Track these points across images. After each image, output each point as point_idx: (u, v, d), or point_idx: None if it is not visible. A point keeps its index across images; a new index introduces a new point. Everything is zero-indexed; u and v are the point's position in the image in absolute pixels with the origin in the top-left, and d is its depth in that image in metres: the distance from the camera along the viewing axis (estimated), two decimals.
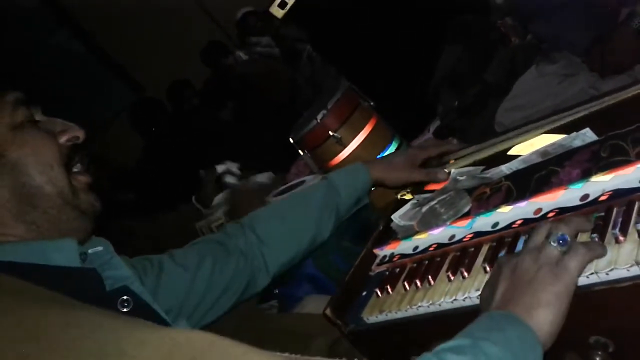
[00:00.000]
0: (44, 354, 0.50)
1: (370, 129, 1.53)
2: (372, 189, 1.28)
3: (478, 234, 0.90)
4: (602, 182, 0.77)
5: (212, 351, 0.47)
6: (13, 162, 0.75)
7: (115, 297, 0.77)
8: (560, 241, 0.69)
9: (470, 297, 0.80)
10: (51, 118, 0.84)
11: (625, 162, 0.76)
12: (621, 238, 0.67)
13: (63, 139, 0.82)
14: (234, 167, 1.93)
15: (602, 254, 0.67)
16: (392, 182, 1.23)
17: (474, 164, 1.13)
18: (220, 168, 1.96)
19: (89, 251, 0.81)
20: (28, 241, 0.74)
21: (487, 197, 0.97)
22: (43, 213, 0.76)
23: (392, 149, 1.56)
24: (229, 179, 1.85)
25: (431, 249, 0.96)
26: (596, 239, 0.69)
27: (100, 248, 0.84)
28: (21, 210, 0.75)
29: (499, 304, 0.69)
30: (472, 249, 0.89)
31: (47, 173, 0.77)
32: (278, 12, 3.60)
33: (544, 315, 0.64)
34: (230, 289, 1.10)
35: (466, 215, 0.96)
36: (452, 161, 1.24)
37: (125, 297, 0.78)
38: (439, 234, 0.98)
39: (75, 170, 0.83)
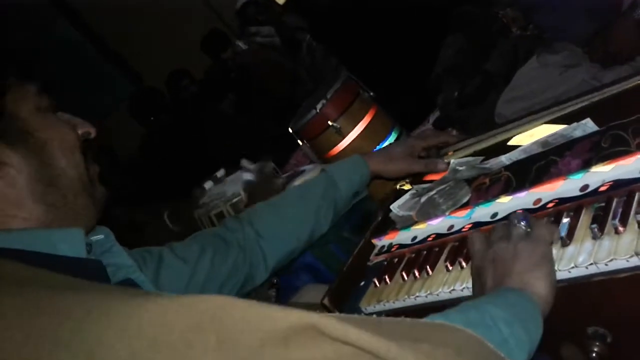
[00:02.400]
0: (50, 330, 0.50)
1: (369, 119, 1.52)
2: (371, 180, 1.27)
3: (477, 224, 0.90)
4: (603, 173, 0.77)
5: (233, 309, 0.46)
6: (41, 142, 0.76)
7: None
8: (523, 221, 0.74)
9: (468, 287, 0.79)
10: (65, 113, 0.85)
11: (626, 152, 0.76)
12: (621, 228, 0.67)
13: (79, 132, 0.83)
14: (248, 165, 1.93)
15: (557, 232, 0.73)
16: (391, 174, 1.23)
17: (473, 154, 1.13)
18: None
19: (92, 239, 0.82)
20: (34, 229, 0.74)
21: (486, 187, 0.96)
22: (63, 197, 0.77)
23: (391, 139, 1.55)
24: (247, 176, 1.85)
25: (430, 239, 0.96)
26: (596, 230, 0.69)
27: (101, 236, 0.84)
28: (44, 191, 0.75)
29: (492, 288, 0.71)
30: None
31: (70, 157, 0.79)
32: None
33: (535, 276, 0.68)
34: (229, 282, 1.10)
35: (465, 205, 0.96)
36: (450, 153, 1.23)
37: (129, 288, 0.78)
38: (437, 224, 0.98)
39: (88, 161, 0.84)
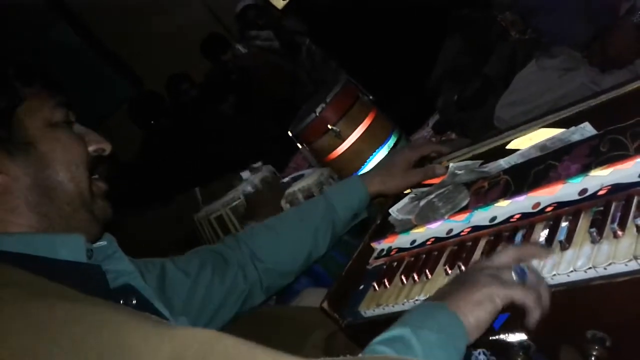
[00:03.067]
0: (44, 347, 0.50)
1: (369, 122, 1.53)
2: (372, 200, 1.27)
3: (476, 228, 0.90)
4: (601, 177, 0.77)
5: (218, 348, 0.47)
6: (41, 154, 0.78)
7: (118, 294, 0.78)
8: (520, 272, 0.72)
9: None
10: (85, 127, 0.87)
11: (624, 156, 0.76)
12: (619, 233, 0.67)
13: (91, 148, 0.85)
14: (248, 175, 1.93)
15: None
16: (391, 191, 1.23)
17: (472, 157, 1.13)
18: (245, 175, 1.96)
19: (94, 246, 0.82)
20: (36, 233, 0.75)
21: (485, 191, 0.96)
22: (58, 208, 0.78)
23: (391, 142, 1.55)
24: (245, 175, 1.85)
25: (429, 242, 0.96)
26: (595, 234, 0.69)
27: (104, 242, 0.86)
28: (38, 201, 0.77)
29: (438, 296, 0.74)
30: (470, 243, 0.89)
31: (72, 171, 0.80)
32: (278, 3, 3.58)
33: (471, 310, 0.69)
34: (230, 299, 1.10)
35: (464, 209, 0.96)
36: (444, 163, 1.23)
37: (128, 295, 0.79)
38: (436, 228, 0.98)
39: (95, 177, 0.86)
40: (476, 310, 0.69)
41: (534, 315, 0.68)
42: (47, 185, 0.78)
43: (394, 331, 0.67)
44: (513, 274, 0.72)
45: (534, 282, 0.71)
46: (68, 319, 0.53)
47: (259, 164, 1.95)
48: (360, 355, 0.61)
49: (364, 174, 1.29)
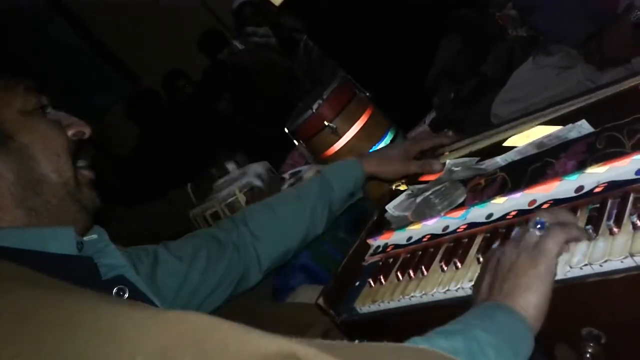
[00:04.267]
0: (32, 336, 0.50)
1: (366, 119, 1.52)
2: (367, 181, 1.28)
3: (472, 224, 0.90)
4: (597, 174, 0.77)
5: (214, 331, 0.46)
6: (22, 147, 0.76)
7: (110, 286, 0.77)
8: (539, 225, 0.71)
9: (463, 288, 0.79)
10: (59, 112, 0.84)
11: (621, 154, 0.76)
12: (615, 230, 0.67)
13: (70, 133, 0.83)
14: (260, 169, 1.91)
15: (578, 235, 0.69)
16: (386, 175, 1.23)
17: (469, 154, 1.13)
18: (230, 166, 1.95)
19: (84, 239, 0.81)
20: (26, 227, 0.74)
21: (481, 188, 0.96)
22: (45, 202, 0.77)
23: (387, 139, 1.55)
24: (257, 182, 1.85)
25: (425, 239, 0.96)
26: (591, 231, 0.69)
27: (94, 236, 0.84)
28: (24, 196, 0.75)
29: (485, 295, 0.70)
30: (466, 240, 0.89)
31: (54, 162, 0.78)
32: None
33: (528, 298, 0.66)
34: (224, 282, 1.10)
35: (460, 206, 0.96)
36: (446, 153, 1.24)
37: (120, 286, 0.78)
38: (433, 225, 0.98)
39: (80, 164, 0.83)
40: (530, 296, 0.66)
41: (581, 237, 0.68)
42: (31, 178, 0.76)
43: (447, 327, 0.64)
44: (536, 232, 0.70)
45: (554, 218, 0.71)
46: (57, 307, 0.52)
47: (233, 165, 1.95)
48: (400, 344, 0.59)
49: (361, 155, 1.30)
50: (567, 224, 0.70)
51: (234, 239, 1.13)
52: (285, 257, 1.20)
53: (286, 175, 1.79)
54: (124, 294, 0.77)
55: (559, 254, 0.69)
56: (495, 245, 0.81)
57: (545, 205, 0.80)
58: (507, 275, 0.69)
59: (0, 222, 0.74)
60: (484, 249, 0.83)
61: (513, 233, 0.75)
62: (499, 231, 0.85)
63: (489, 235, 0.86)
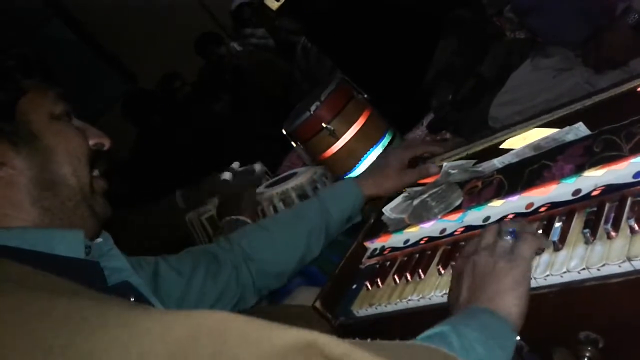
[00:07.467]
0: (49, 335, 0.49)
1: (363, 121, 1.52)
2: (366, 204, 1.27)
3: (469, 227, 0.90)
4: (595, 177, 0.77)
5: (234, 322, 0.46)
6: (45, 147, 0.78)
7: (117, 291, 0.77)
8: (510, 233, 0.75)
9: None
10: (83, 122, 0.87)
11: (618, 157, 0.76)
12: (613, 233, 0.67)
13: (91, 142, 0.85)
14: (235, 166, 1.91)
15: (546, 244, 0.74)
16: (385, 193, 1.22)
17: (466, 157, 1.13)
18: (226, 175, 1.95)
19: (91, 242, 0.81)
20: (36, 228, 0.75)
21: (478, 190, 0.96)
22: (60, 203, 0.78)
23: (385, 141, 1.55)
24: (225, 176, 1.83)
25: (422, 242, 0.96)
26: (588, 235, 0.69)
27: (100, 240, 0.85)
28: (41, 195, 0.76)
29: (466, 300, 0.73)
30: (463, 243, 0.88)
31: (75, 165, 0.80)
32: (273, 4, 3.57)
33: (509, 300, 0.69)
34: (223, 300, 1.09)
35: (457, 208, 0.96)
36: (438, 162, 1.23)
37: (127, 292, 0.78)
38: (430, 228, 0.97)
39: (95, 174, 0.85)
40: (511, 298, 0.69)
41: (544, 245, 0.73)
42: (50, 179, 0.77)
43: (434, 329, 0.66)
44: (508, 238, 0.75)
45: (522, 228, 0.75)
46: (68, 305, 0.52)
47: (236, 164, 1.93)
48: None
49: (358, 176, 1.29)
50: (534, 232, 0.76)
51: (231, 258, 1.13)
52: (281, 279, 1.20)
53: (282, 177, 1.78)
54: (130, 299, 0.77)
55: (533, 257, 0.73)
56: (467, 249, 0.81)
57: (542, 209, 0.80)
58: (487, 280, 0.72)
59: (13, 221, 0.74)
60: None
61: (481, 242, 0.78)
62: None
63: None
